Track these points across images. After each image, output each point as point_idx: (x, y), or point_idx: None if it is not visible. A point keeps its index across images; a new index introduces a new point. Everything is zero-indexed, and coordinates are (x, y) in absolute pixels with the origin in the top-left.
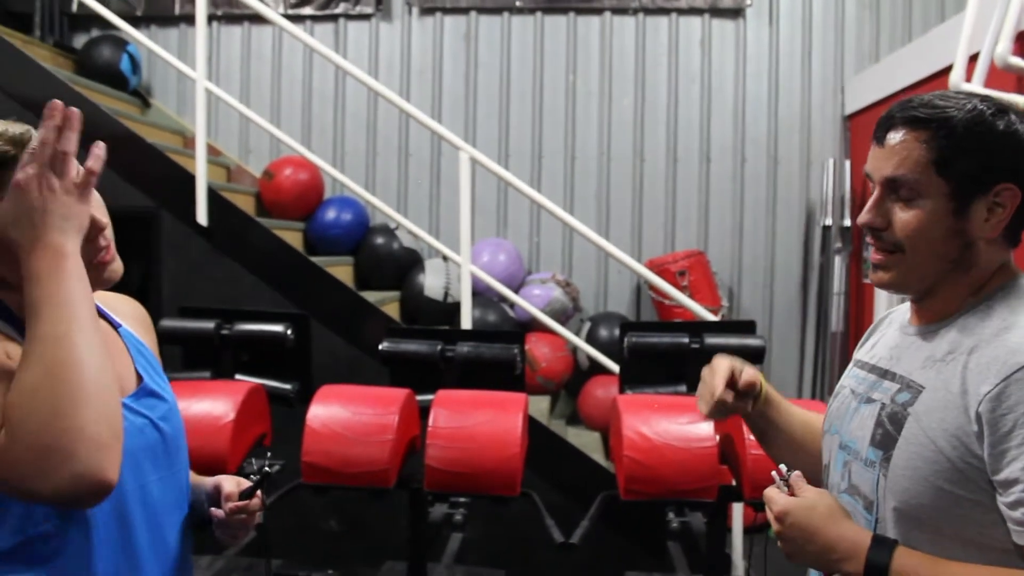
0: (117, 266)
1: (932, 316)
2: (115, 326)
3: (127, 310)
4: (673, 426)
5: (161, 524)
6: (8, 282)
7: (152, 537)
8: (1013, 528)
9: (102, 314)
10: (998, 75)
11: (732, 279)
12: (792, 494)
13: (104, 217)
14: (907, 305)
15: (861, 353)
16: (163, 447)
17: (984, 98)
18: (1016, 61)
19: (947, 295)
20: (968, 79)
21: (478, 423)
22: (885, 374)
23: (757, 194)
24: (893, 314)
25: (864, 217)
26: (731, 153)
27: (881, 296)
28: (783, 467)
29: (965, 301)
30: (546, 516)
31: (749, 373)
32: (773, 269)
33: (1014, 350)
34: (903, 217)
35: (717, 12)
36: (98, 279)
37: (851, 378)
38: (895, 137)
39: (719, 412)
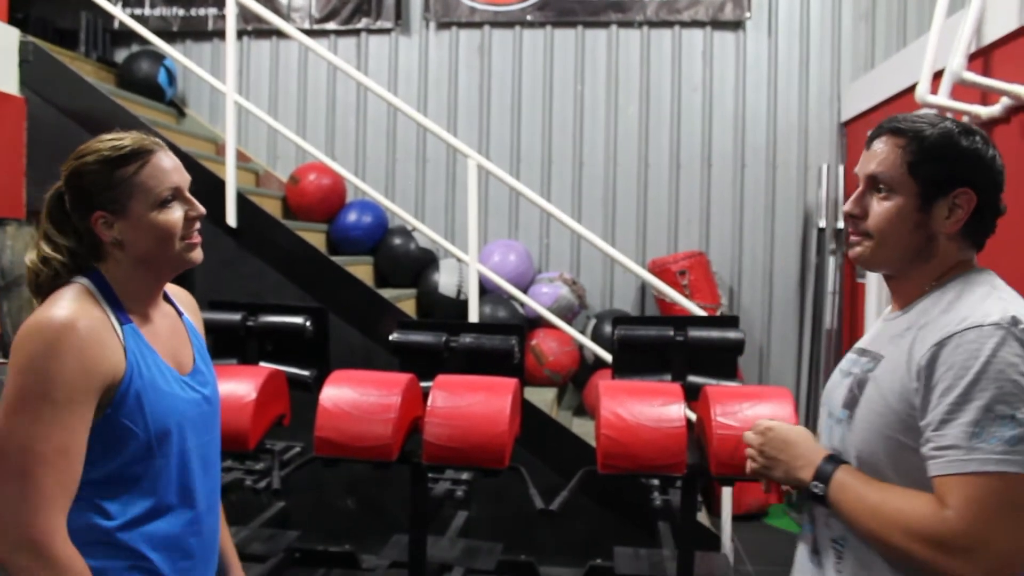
0: (199, 253)
1: (903, 301)
2: (179, 313)
3: (184, 299)
4: (646, 408)
5: (206, 472)
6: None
7: (202, 480)
8: (927, 464)
9: (171, 302)
10: (964, 90)
11: (732, 279)
12: None
13: (202, 208)
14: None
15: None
16: (207, 420)
17: (956, 121)
18: (970, 76)
19: (914, 281)
20: (934, 92)
21: (471, 404)
22: (864, 352)
23: (756, 198)
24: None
25: (847, 206)
26: (731, 159)
27: (871, 295)
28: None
29: (927, 288)
30: (531, 486)
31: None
32: (772, 269)
33: (949, 321)
34: (878, 208)
35: (718, 25)
36: (183, 256)
37: (842, 361)
38: (880, 143)
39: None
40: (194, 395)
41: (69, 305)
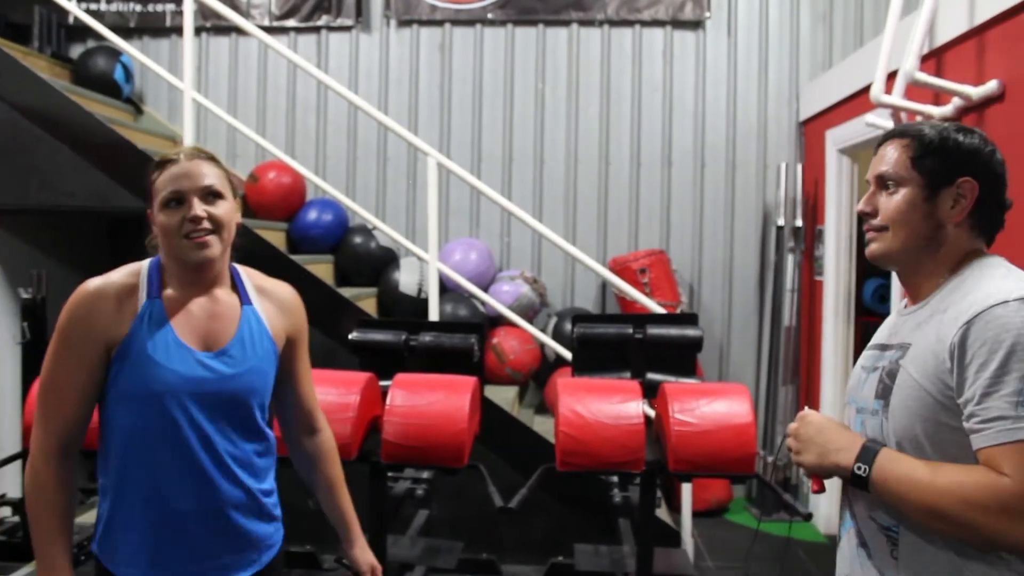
0: (201, 253)
1: (920, 294)
2: (245, 302)
3: (280, 294)
4: (605, 405)
5: (217, 448)
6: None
7: (207, 455)
8: (972, 438)
9: (240, 291)
10: (917, 90)
11: (693, 277)
12: None
13: (198, 210)
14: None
15: (871, 343)
16: (219, 396)
17: (955, 123)
18: (922, 77)
19: (927, 272)
20: (889, 92)
21: (430, 402)
22: (885, 347)
23: (716, 196)
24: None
25: (860, 206)
26: (691, 158)
27: (829, 294)
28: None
29: (942, 278)
30: (490, 484)
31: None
32: (731, 267)
33: (972, 303)
34: (888, 202)
35: (678, 24)
36: (186, 254)
37: (861, 359)
38: (885, 146)
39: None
40: (203, 373)
41: (107, 275)
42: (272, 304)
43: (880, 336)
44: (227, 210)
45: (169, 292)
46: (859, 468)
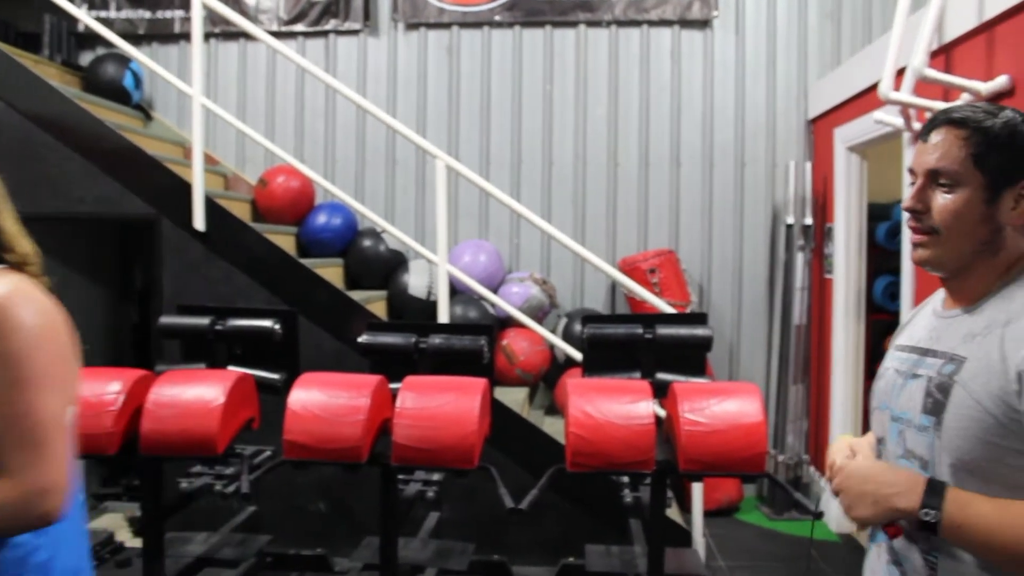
0: None
1: (967, 297)
2: None
3: None
4: (615, 405)
5: None
6: None
7: None
8: None
9: None
10: (926, 86)
11: (702, 276)
12: None
13: None
14: (937, 296)
15: (899, 340)
16: None
17: (1014, 110)
18: (931, 73)
19: (979, 275)
20: (897, 89)
21: (440, 404)
22: (926, 352)
23: (725, 195)
24: (923, 308)
25: (907, 203)
26: (700, 157)
27: (839, 292)
28: None
29: (995, 282)
30: (500, 486)
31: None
32: (741, 266)
33: None
34: (942, 202)
35: (686, 24)
36: None
37: (893, 360)
38: (938, 135)
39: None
40: None
41: None
42: None
43: (916, 338)
44: None
45: None
46: (926, 514)
